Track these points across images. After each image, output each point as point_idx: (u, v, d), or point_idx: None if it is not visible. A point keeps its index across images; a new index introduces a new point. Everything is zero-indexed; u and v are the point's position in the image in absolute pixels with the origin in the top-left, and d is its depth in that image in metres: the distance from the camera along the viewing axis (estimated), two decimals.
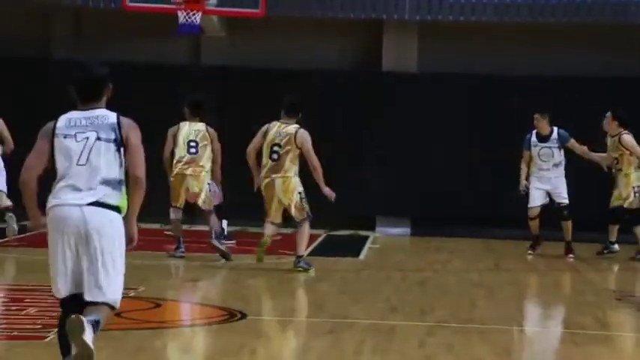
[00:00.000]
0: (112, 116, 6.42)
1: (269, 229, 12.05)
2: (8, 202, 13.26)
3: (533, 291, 11.51)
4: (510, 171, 16.52)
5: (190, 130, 12.96)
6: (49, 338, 7.86)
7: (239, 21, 17.07)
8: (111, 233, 6.27)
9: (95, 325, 6.10)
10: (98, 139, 6.34)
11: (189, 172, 12.83)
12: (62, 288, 6.27)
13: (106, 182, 6.29)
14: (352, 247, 14.81)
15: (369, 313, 9.66)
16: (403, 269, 13.33)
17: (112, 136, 6.34)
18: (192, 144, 12.91)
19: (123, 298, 6.34)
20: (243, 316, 9.21)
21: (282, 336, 8.79)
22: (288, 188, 11.92)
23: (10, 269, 11.70)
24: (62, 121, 6.39)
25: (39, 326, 8.36)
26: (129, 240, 6.35)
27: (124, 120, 6.41)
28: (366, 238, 16.04)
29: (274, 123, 12.18)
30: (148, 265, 11.87)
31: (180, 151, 12.88)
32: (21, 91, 16.89)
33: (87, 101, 6.42)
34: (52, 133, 6.35)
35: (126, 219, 6.36)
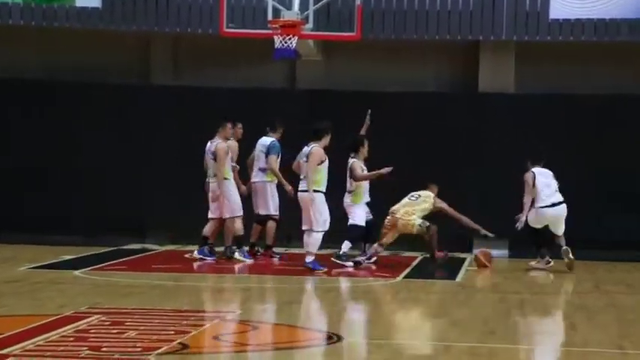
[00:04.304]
0: None
1: None
2: None
3: (634, 314, 11.28)
4: (613, 193, 16.35)
5: None
6: None
7: (335, 44, 17.17)
8: None
9: None
10: None
11: None
12: None
13: None
14: (449, 270, 14.72)
15: (467, 337, 9.57)
16: (501, 291, 13.20)
17: None
18: None
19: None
20: (339, 338, 9.22)
21: (377, 359, 8.75)
22: None
23: (110, 292, 11.90)
24: None
25: (139, 349, 8.47)
26: None
27: None
28: (463, 260, 15.94)
29: None
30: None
31: None
32: (120, 116, 17.24)
33: None
34: None
35: None
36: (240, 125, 15.22)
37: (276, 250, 15.36)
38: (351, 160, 14.75)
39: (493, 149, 16.96)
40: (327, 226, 13.76)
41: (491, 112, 17.12)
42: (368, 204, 14.91)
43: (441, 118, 16.88)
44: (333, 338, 9.19)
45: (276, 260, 15.05)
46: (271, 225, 15.01)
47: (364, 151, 14.80)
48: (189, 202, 15.48)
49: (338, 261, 14.45)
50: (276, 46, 15.53)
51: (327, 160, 13.79)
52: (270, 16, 15.81)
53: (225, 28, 16.05)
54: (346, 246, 14.63)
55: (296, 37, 15.51)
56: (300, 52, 16.30)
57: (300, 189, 13.89)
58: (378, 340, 9.55)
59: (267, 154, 14.95)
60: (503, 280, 14.20)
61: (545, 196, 14.89)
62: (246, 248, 14.95)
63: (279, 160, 14.96)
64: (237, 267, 14.49)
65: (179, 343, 8.68)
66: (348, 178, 14.78)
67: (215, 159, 14.59)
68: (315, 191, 13.69)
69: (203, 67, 17.86)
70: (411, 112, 16.73)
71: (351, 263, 14.53)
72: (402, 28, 16.85)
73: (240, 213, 14.71)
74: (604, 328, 10.28)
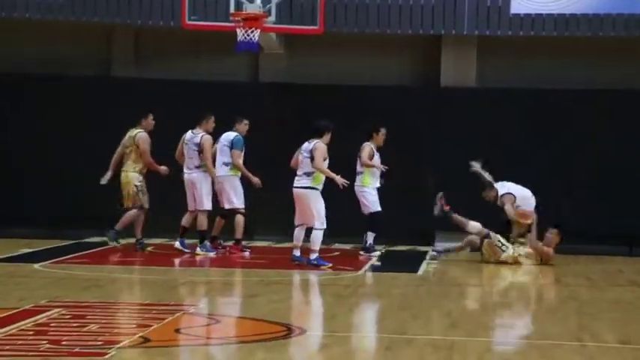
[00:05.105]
0: None
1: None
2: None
3: (594, 307, 11.38)
4: (571, 182, 16.47)
5: None
6: (109, 355, 7.94)
7: (297, 38, 17.16)
8: None
9: None
10: None
11: None
12: None
13: None
14: (410, 263, 14.77)
15: (428, 329, 9.61)
16: (462, 284, 13.27)
17: None
18: None
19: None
20: (302, 331, 9.22)
21: (340, 352, 8.77)
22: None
23: (71, 285, 11.84)
24: None
25: (100, 342, 8.43)
26: None
27: None
28: (425, 253, 15.99)
29: None
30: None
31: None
32: (80, 109, 17.13)
33: None
34: None
35: None
36: (152, 117, 15.10)
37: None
38: (364, 144, 15.16)
39: (454, 142, 17.01)
40: (324, 225, 13.73)
41: (453, 106, 17.19)
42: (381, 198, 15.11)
43: (403, 112, 16.91)
44: (295, 331, 9.19)
45: (247, 254, 15.04)
46: (239, 219, 14.99)
47: (378, 138, 15.28)
48: (151, 195, 15.40)
49: (366, 253, 14.85)
50: (238, 38, 15.51)
51: (327, 159, 13.76)
52: (232, 9, 15.79)
53: (187, 20, 16.00)
54: (370, 237, 15.02)
55: (258, 30, 15.49)
56: (262, 45, 16.28)
57: (296, 185, 13.80)
58: (340, 332, 9.57)
59: (231, 148, 14.95)
60: (464, 273, 14.27)
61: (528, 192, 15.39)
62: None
63: (242, 154, 14.96)
64: (199, 260, 14.45)
65: (140, 336, 8.64)
66: (358, 160, 15.19)
67: (200, 151, 14.63)
68: (312, 188, 13.64)
69: (165, 59, 17.78)
70: (373, 106, 16.75)
71: (377, 253, 14.92)
72: (364, 22, 16.86)
73: (210, 207, 14.77)
74: (564, 320, 10.36)
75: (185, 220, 14.85)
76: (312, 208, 13.60)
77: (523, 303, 12.15)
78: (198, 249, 14.70)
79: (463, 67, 17.38)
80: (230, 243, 15.23)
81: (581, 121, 16.88)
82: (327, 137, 13.92)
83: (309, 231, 13.83)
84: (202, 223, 14.67)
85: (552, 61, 17.25)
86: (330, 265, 13.78)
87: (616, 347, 8.93)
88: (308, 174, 13.69)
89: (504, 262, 14.85)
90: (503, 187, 15.35)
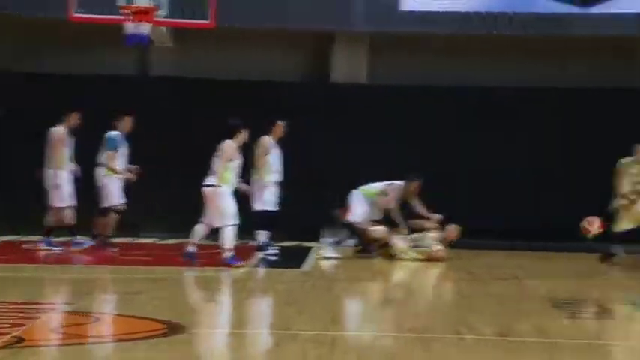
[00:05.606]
0: None
1: None
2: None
3: (474, 300, 11.50)
4: (462, 180, 16.66)
5: None
6: None
7: (189, 32, 17.02)
8: None
9: None
10: None
11: None
12: None
13: None
14: (296, 258, 14.75)
15: (312, 325, 9.59)
16: (346, 279, 13.30)
17: None
18: None
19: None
20: (185, 328, 9.11)
21: (223, 349, 8.69)
22: None
23: None
24: None
25: None
26: None
27: None
28: (310, 249, 16.00)
29: None
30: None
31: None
32: None
33: None
34: None
35: None
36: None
37: (117, 239, 15.17)
38: (262, 138, 14.90)
39: (345, 138, 17.07)
40: (237, 220, 13.51)
41: (345, 102, 17.24)
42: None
43: (294, 108, 16.87)
44: (177, 328, 9.07)
45: (112, 251, 14.88)
46: (111, 217, 14.76)
47: (276, 131, 14.96)
48: (29, 190, 15.13)
49: (262, 253, 14.62)
50: (128, 32, 15.30)
51: (238, 160, 13.53)
52: (122, 1, 15.55)
53: (75, 12, 15.73)
54: (264, 235, 14.78)
55: (149, 24, 15.31)
56: (152, 38, 16.10)
57: (204, 183, 13.52)
58: (225, 329, 9.49)
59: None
60: (349, 269, 14.31)
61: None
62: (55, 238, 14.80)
63: (117, 153, 14.72)
64: (82, 258, 14.24)
65: (14, 336, 8.44)
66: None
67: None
68: (217, 187, 13.40)
69: (53, 52, 17.48)
70: (265, 101, 16.71)
71: (275, 250, 14.74)
72: (257, 17, 16.82)
73: (69, 203, 14.53)
74: (445, 314, 10.44)
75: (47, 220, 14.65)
76: (217, 206, 13.38)
77: (405, 297, 12.21)
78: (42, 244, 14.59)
79: (355, 64, 17.43)
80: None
81: (479, 119, 17.06)
82: (239, 137, 13.58)
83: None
84: (63, 218, 14.55)
85: (445, 59, 17.39)
86: (243, 263, 13.62)
87: (493, 339, 9.02)
88: (214, 172, 13.49)
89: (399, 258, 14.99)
90: (391, 185, 15.37)
